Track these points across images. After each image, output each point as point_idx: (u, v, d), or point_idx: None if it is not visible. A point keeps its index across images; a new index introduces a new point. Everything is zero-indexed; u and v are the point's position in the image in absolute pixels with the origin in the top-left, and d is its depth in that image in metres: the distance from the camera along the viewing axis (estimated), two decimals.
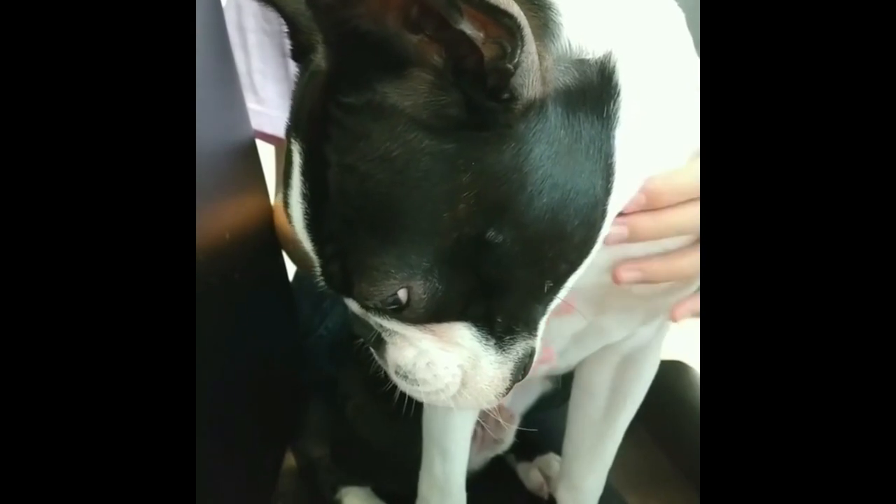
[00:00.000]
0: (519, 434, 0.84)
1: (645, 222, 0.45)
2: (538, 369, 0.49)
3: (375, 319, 0.43)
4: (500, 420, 0.80)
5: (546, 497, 0.84)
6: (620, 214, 0.44)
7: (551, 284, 0.41)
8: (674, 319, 0.51)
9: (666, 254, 0.46)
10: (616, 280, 0.46)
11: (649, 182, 0.43)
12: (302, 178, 0.39)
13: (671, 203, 0.44)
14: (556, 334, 0.55)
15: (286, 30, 0.44)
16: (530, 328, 0.43)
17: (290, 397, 0.91)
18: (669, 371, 0.93)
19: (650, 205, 0.44)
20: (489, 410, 0.76)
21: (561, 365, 0.64)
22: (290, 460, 0.93)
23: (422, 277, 0.38)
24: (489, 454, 0.84)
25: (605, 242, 0.44)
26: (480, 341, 0.42)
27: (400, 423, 0.71)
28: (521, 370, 0.44)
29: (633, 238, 0.45)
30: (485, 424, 0.79)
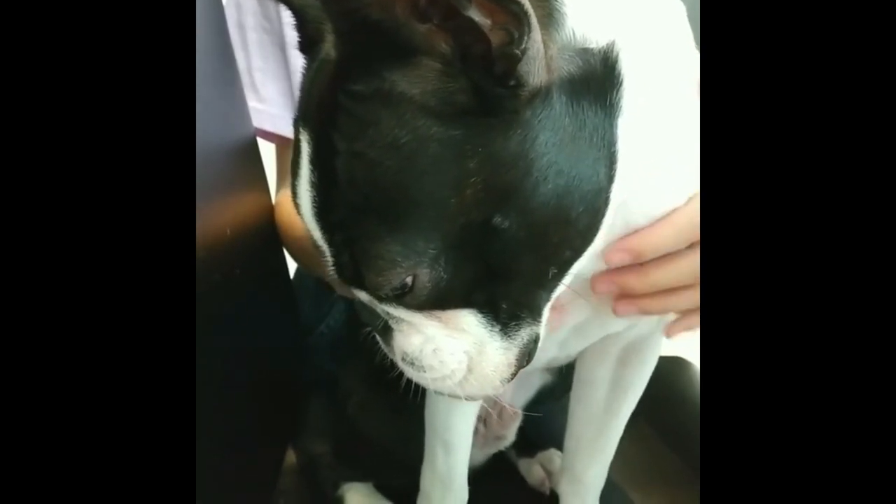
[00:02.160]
0: (520, 430, 0.84)
1: (632, 282, 0.47)
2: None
3: (382, 307, 0.44)
4: (503, 416, 0.80)
5: (548, 492, 0.84)
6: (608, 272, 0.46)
7: (555, 271, 0.42)
8: (667, 335, 0.53)
9: (643, 266, 0.47)
10: (593, 290, 0.48)
11: (628, 240, 0.45)
12: (310, 166, 0.39)
13: (654, 256, 0.46)
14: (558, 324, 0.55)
15: (294, 22, 0.44)
16: (535, 314, 0.43)
17: (290, 395, 0.91)
18: (670, 367, 0.93)
19: (634, 261, 0.46)
20: (491, 407, 0.77)
21: (561, 356, 0.64)
22: (291, 458, 0.93)
23: (428, 265, 0.38)
24: (491, 450, 0.84)
25: (595, 291, 0.48)
26: (486, 327, 0.42)
27: (402, 418, 0.71)
28: (527, 356, 0.45)
29: (623, 293, 0.48)
30: (487, 419, 0.79)
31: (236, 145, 0.72)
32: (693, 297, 0.48)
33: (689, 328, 0.52)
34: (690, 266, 0.46)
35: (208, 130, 0.60)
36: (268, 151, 0.83)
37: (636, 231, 0.45)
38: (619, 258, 0.45)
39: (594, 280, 0.48)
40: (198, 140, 0.41)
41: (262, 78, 0.82)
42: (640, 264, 0.47)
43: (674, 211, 0.45)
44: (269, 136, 0.84)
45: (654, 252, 0.46)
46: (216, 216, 0.61)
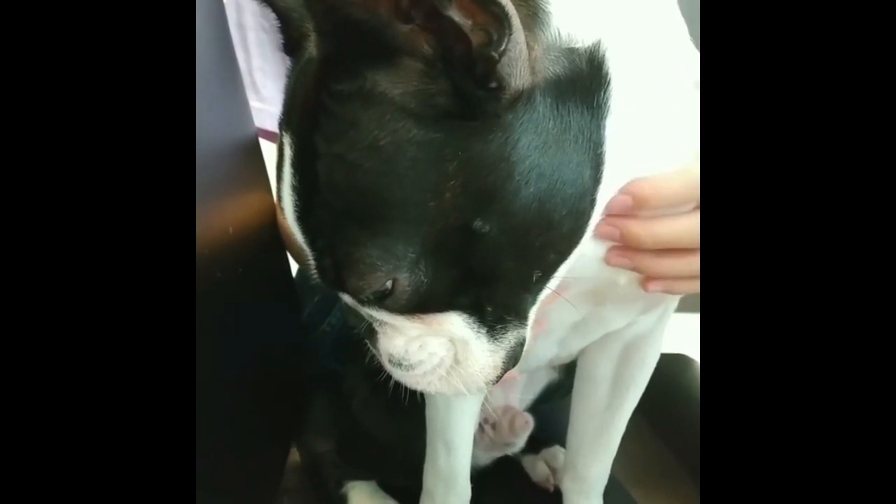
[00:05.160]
0: None
1: (636, 229, 0.44)
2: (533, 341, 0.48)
3: (366, 310, 0.44)
4: (515, 424, 0.80)
5: (551, 489, 0.84)
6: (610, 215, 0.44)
7: (540, 274, 0.42)
8: (644, 288, 0.49)
9: (649, 217, 0.45)
10: (595, 233, 0.45)
11: (636, 184, 0.43)
12: (292, 169, 0.39)
13: (658, 208, 0.44)
14: (557, 323, 0.55)
15: (278, 24, 0.44)
16: (520, 317, 0.43)
17: (293, 392, 0.91)
18: (673, 364, 0.93)
19: (636, 208, 0.43)
20: (502, 415, 0.77)
21: (562, 354, 0.64)
22: (294, 456, 0.93)
23: (407, 270, 0.38)
24: (498, 454, 0.84)
25: (596, 236, 0.44)
26: (472, 328, 0.42)
27: (405, 416, 0.71)
28: (513, 359, 0.44)
29: (623, 241, 0.45)
30: (498, 426, 0.79)
31: (238, 145, 0.72)
32: (691, 264, 0.46)
33: (670, 290, 0.49)
34: (693, 228, 0.44)
35: (210, 130, 0.61)
36: (270, 152, 0.83)
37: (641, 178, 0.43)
38: (622, 200, 0.43)
39: (598, 225, 0.44)
40: (199, 140, 0.42)
41: (262, 77, 0.83)
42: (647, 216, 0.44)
43: (683, 166, 0.43)
44: (271, 135, 0.84)
45: (659, 200, 0.43)
46: (218, 215, 0.61)
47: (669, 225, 0.45)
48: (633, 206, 0.43)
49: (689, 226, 0.44)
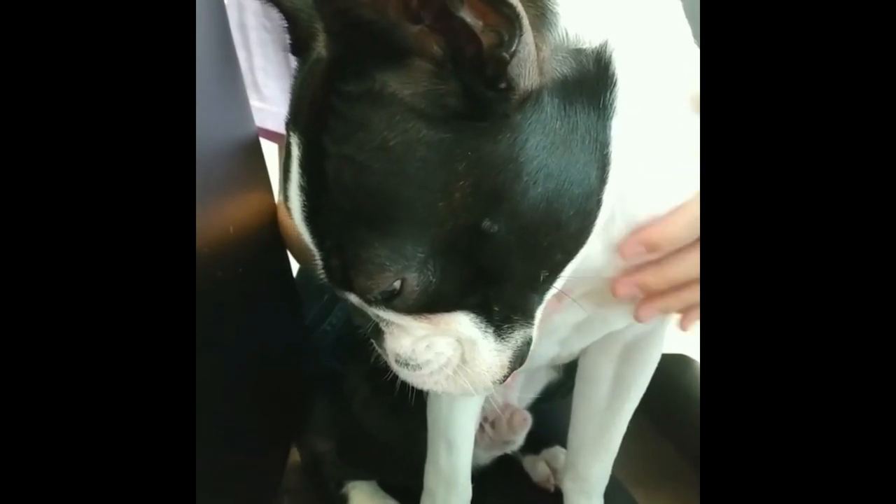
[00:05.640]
0: None
1: (651, 279, 0.47)
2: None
3: (373, 310, 0.44)
4: (514, 421, 0.80)
5: (552, 489, 0.84)
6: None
7: (547, 274, 0.42)
8: (683, 329, 0.52)
9: (658, 262, 0.47)
10: (615, 294, 0.48)
11: (644, 233, 0.45)
12: (300, 170, 0.39)
13: (669, 249, 0.46)
14: (559, 323, 0.55)
15: (285, 25, 0.44)
16: (527, 317, 0.43)
17: (294, 393, 0.91)
18: (674, 365, 0.93)
19: (650, 253, 0.46)
20: (501, 411, 0.77)
21: (563, 353, 0.64)
22: (295, 456, 0.93)
23: (416, 269, 0.38)
24: (498, 453, 0.84)
25: (617, 296, 0.48)
26: (479, 328, 0.42)
27: (406, 416, 0.71)
28: (520, 358, 0.45)
29: (643, 294, 0.48)
30: (497, 423, 0.79)
31: (239, 144, 0.72)
32: None
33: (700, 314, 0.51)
34: (698, 260, 0.45)
35: (210, 130, 0.60)
36: (271, 151, 0.83)
37: (649, 225, 0.45)
38: (635, 250, 0.45)
39: (615, 284, 0.48)
40: (200, 139, 0.42)
41: (263, 77, 0.82)
42: (655, 261, 0.47)
43: (684, 204, 0.45)
44: (272, 135, 0.84)
45: (670, 243, 0.45)
46: (218, 214, 0.61)
47: (677, 265, 0.47)
48: (647, 252, 0.45)
49: (694, 259, 0.46)
